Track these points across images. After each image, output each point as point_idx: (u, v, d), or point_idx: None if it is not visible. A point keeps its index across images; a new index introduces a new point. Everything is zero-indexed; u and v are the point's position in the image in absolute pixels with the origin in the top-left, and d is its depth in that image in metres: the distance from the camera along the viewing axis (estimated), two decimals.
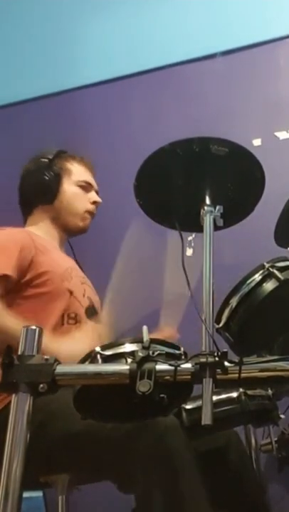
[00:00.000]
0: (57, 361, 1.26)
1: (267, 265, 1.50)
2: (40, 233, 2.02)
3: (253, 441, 2.10)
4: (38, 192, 2.06)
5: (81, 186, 2.10)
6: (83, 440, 1.57)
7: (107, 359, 1.29)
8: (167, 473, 1.47)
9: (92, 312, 1.97)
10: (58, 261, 1.94)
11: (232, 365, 1.23)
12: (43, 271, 1.87)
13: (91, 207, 2.11)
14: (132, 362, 1.23)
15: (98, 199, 2.13)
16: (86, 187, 2.11)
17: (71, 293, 1.90)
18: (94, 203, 2.11)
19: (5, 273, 1.80)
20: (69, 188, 2.07)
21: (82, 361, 1.33)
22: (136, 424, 1.48)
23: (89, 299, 1.98)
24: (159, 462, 1.48)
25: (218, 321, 1.49)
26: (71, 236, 2.13)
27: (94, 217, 2.13)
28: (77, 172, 2.11)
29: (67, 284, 1.91)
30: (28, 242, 1.90)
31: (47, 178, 2.04)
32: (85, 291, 1.98)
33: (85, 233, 2.13)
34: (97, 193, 2.15)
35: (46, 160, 2.07)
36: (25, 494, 1.22)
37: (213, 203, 1.48)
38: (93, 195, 2.12)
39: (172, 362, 1.23)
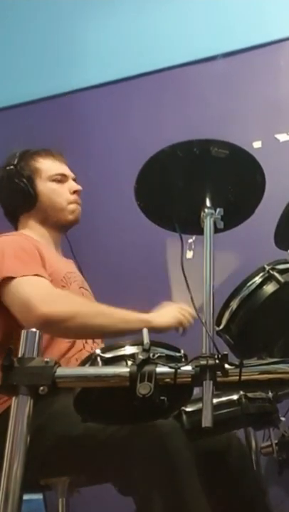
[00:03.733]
0: (57, 364, 1.26)
1: (267, 267, 1.50)
2: (35, 236, 1.99)
3: (253, 443, 2.10)
4: (16, 201, 2.02)
5: (56, 180, 2.04)
6: (82, 444, 1.57)
7: (107, 361, 1.29)
8: (168, 475, 1.47)
9: None
10: (57, 265, 1.91)
11: (232, 367, 1.23)
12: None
13: (72, 197, 2.04)
14: (132, 364, 1.23)
15: (78, 187, 2.06)
16: (61, 179, 2.05)
17: None
18: (74, 192, 2.05)
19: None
20: (45, 187, 2.02)
21: (83, 364, 1.33)
22: (135, 427, 1.48)
23: None
24: (159, 464, 1.48)
25: (218, 323, 1.49)
26: (65, 231, 2.09)
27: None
28: (46, 168, 2.04)
29: (67, 289, 1.89)
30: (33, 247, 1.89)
31: (20, 185, 1.99)
32: (82, 296, 1.96)
33: (78, 223, 2.07)
34: (74, 180, 2.09)
35: (12, 167, 2.02)
36: (25, 496, 1.22)
37: (214, 206, 1.48)
38: (72, 185, 2.06)
39: (172, 364, 1.23)
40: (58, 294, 1.80)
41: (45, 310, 1.69)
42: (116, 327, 1.75)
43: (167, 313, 1.82)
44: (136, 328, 1.70)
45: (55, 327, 1.71)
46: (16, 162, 2.02)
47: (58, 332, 1.75)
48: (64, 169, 2.08)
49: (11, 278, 1.76)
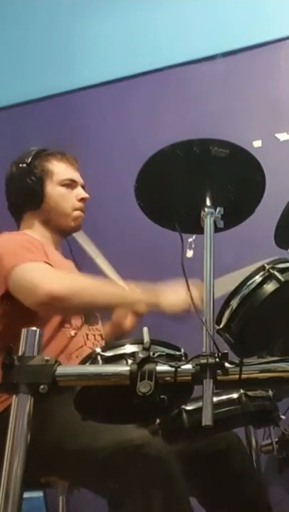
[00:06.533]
0: (57, 362, 1.26)
1: (267, 266, 1.50)
2: (37, 237, 2.00)
3: (253, 442, 2.10)
4: (23, 198, 2.02)
5: (65, 185, 2.04)
6: (79, 451, 1.58)
7: (107, 360, 1.29)
8: (160, 483, 1.48)
9: (88, 315, 1.96)
10: (59, 265, 1.91)
11: (232, 366, 1.23)
12: None
13: (78, 204, 2.05)
14: (132, 363, 1.23)
15: (85, 195, 2.07)
16: (71, 184, 2.05)
17: None
18: (81, 199, 2.05)
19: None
20: (54, 190, 2.02)
21: (83, 362, 1.33)
22: (130, 439, 1.50)
23: None
24: (155, 473, 1.49)
25: (218, 322, 1.49)
26: (65, 236, 2.09)
27: (86, 214, 2.08)
28: (59, 171, 2.04)
29: None
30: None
31: (29, 183, 1.99)
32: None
33: (78, 231, 2.09)
34: (83, 187, 2.09)
35: (25, 165, 2.01)
36: (26, 494, 1.22)
37: (214, 205, 1.48)
38: (80, 192, 2.06)
39: (173, 363, 1.24)
40: (62, 273, 1.85)
41: (50, 287, 1.73)
42: (121, 306, 1.85)
43: (177, 297, 1.78)
44: (142, 309, 1.82)
45: (60, 304, 1.74)
46: (29, 160, 2.02)
47: (62, 310, 1.79)
48: (75, 175, 2.08)
49: (17, 265, 1.79)
